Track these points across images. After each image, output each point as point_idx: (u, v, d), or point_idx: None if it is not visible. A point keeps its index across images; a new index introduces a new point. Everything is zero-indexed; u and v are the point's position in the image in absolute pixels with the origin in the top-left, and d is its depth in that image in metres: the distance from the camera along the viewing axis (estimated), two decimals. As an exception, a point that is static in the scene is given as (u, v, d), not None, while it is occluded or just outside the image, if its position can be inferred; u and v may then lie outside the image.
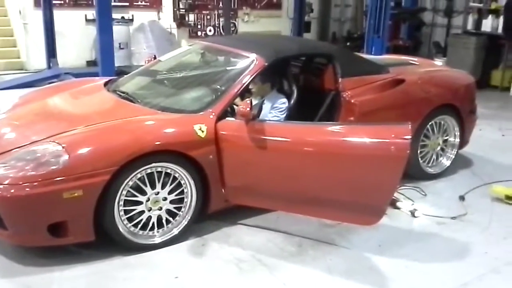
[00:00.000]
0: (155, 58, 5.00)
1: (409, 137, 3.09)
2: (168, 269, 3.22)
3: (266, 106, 4.13)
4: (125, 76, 4.61)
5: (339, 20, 13.76)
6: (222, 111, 3.60)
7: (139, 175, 3.25)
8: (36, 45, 9.86)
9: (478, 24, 9.52)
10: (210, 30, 11.65)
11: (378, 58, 5.57)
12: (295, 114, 4.09)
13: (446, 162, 4.94)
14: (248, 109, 3.37)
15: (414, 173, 4.70)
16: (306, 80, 4.53)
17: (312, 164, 3.33)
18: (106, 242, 3.30)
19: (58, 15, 9.71)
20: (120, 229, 3.26)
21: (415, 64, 5.31)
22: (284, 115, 4.06)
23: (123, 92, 4.06)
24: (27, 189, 2.97)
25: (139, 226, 3.35)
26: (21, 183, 3.00)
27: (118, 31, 10.29)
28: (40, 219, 3.05)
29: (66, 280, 3.05)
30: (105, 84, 4.40)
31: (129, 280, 3.08)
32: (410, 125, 3.15)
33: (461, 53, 9.25)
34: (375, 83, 4.34)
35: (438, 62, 9.86)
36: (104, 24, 6.53)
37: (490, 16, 9.30)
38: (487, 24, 9.39)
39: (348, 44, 12.11)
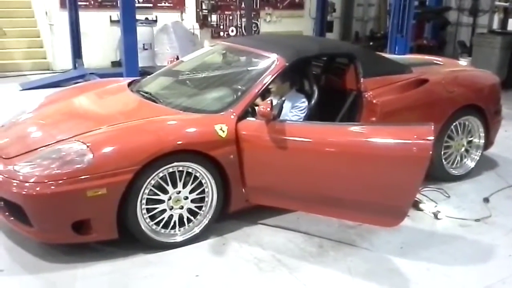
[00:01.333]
0: (177, 58, 5.04)
1: (432, 138, 3.05)
2: (189, 268, 3.25)
3: (286, 105, 4.11)
4: (148, 76, 4.67)
5: (362, 20, 13.66)
6: (243, 111, 3.61)
7: (161, 174, 3.29)
8: (62, 45, 10.03)
9: (504, 23, 9.35)
10: (232, 31, 11.69)
11: (401, 58, 5.52)
12: (316, 114, 4.09)
13: (470, 163, 4.86)
14: (268, 109, 3.38)
15: (437, 174, 4.65)
16: (328, 80, 4.51)
17: (333, 165, 3.32)
18: (129, 240, 3.35)
19: (84, 16, 9.89)
20: (143, 227, 3.30)
21: (439, 64, 5.24)
22: (304, 114, 4.06)
23: (146, 93, 4.11)
24: (52, 187, 3.04)
25: (161, 224, 3.39)
26: (46, 181, 3.06)
27: (141, 32, 10.42)
28: (64, 216, 3.11)
29: (89, 277, 3.11)
30: (129, 84, 4.46)
31: (150, 278, 3.12)
32: (432, 126, 3.11)
33: (487, 52, 9.07)
34: (398, 83, 4.30)
35: (463, 62, 9.75)
36: (128, 25, 6.62)
37: (517, 16, 9.12)
38: (514, 24, 9.21)
39: (371, 43, 12.01)
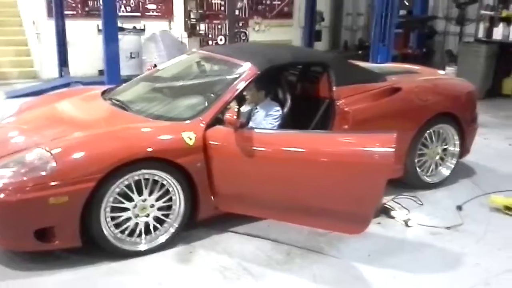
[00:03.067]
0: (155, 66, 5.02)
1: (393, 145, 3.06)
2: (153, 276, 3.23)
3: (260, 114, 4.15)
4: (123, 85, 4.67)
5: (351, 29, 13.75)
6: (212, 119, 3.62)
7: (126, 182, 3.28)
8: (49, 54, 10.05)
9: (489, 32, 9.38)
10: (221, 39, 11.73)
11: (379, 67, 5.56)
12: (289, 122, 4.10)
13: (445, 171, 4.87)
14: (235, 117, 3.38)
15: (411, 182, 4.66)
16: (302, 88, 4.52)
17: (297, 172, 3.32)
18: (95, 248, 3.34)
19: (71, 25, 9.93)
20: (106, 235, 3.29)
21: (415, 73, 5.27)
22: (278, 122, 4.06)
23: (118, 100, 4.12)
24: (14, 194, 3.03)
25: (126, 232, 3.38)
26: (9, 188, 3.06)
27: (129, 40, 10.53)
28: (27, 224, 3.10)
29: (53, 285, 3.10)
30: (103, 92, 4.46)
31: (113, 286, 3.11)
32: (395, 134, 3.12)
33: (472, 61, 9.13)
34: (371, 91, 4.31)
35: (450, 70, 9.84)
36: (110, 34, 6.65)
37: (501, 24, 9.15)
38: (499, 32, 9.24)
39: (359, 52, 12.06)
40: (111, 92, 4.45)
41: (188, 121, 3.62)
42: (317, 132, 3.80)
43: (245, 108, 3.93)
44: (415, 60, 9.45)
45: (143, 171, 3.32)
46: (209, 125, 3.59)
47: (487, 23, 9.64)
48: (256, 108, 4.19)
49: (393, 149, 3.05)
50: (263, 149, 3.42)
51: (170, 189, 3.46)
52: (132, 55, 10.35)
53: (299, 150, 3.35)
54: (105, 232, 3.28)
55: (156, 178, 3.39)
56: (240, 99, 4.35)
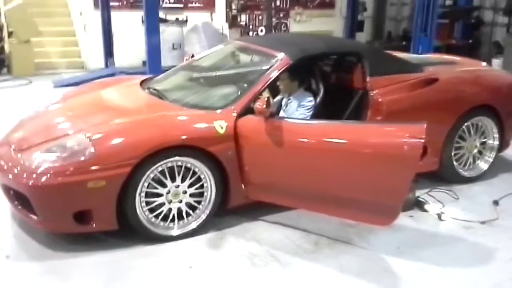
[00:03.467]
0: (192, 56, 5.13)
1: (423, 136, 3.04)
2: (184, 259, 3.35)
3: (293, 104, 4.18)
4: (161, 75, 4.81)
5: (395, 19, 13.48)
6: (244, 108, 3.68)
7: (160, 168, 3.40)
8: (95, 45, 10.38)
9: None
10: (261, 30, 11.75)
11: (418, 57, 5.46)
12: (323, 112, 4.10)
13: (483, 165, 4.76)
14: (264, 106, 3.43)
15: (447, 175, 4.59)
16: (336, 79, 4.52)
17: (327, 162, 3.35)
18: (131, 231, 3.48)
19: (117, 16, 10.21)
20: (141, 219, 3.42)
21: (455, 64, 5.15)
22: (311, 113, 4.08)
23: (155, 90, 4.25)
24: (55, 178, 3.20)
25: (160, 217, 3.50)
26: (50, 172, 3.23)
27: (172, 32, 10.71)
28: (66, 207, 3.27)
29: (87, 265, 3.25)
30: (142, 82, 4.60)
31: (146, 268, 3.24)
32: (425, 125, 3.09)
33: (518, 52, 8.82)
34: (406, 82, 4.26)
35: (496, 62, 9.53)
36: (151, 26, 6.81)
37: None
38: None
39: (404, 43, 11.83)
40: (150, 81, 4.59)
41: (220, 110, 3.70)
42: (347, 122, 3.79)
43: (277, 98, 3.96)
44: (460, 51, 9.21)
45: (177, 158, 3.43)
46: (241, 114, 3.66)
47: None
48: (290, 99, 4.23)
49: (422, 140, 3.03)
50: (292, 139, 3.46)
51: (202, 176, 3.56)
52: (174, 46, 10.53)
53: (329, 140, 3.37)
54: (140, 216, 3.41)
55: (188, 165, 3.49)
56: (274, 90, 4.41)
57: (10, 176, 3.40)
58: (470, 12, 10.67)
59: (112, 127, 3.53)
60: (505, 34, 10.63)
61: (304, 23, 12.39)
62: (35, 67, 9.79)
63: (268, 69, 3.94)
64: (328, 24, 12.50)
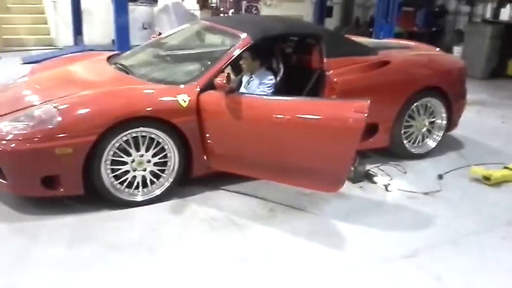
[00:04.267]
0: (159, 34, 5.30)
1: (366, 111, 3.33)
2: (147, 223, 3.58)
3: (255, 82, 4.42)
4: (129, 51, 4.97)
5: (364, 6, 13.80)
6: (206, 84, 3.89)
7: (124, 138, 3.60)
8: (64, 22, 10.37)
9: (496, 12, 9.46)
10: (232, 13, 11.87)
11: (376, 42, 5.77)
12: (283, 90, 4.35)
13: (431, 143, 5.10)
14: (224, 81, 3.66)
15: (398, 152, 4.93)
16: (296, 59, 4.78)
17: (279, 134, 3.61)
18: (97, 197, 3.69)
19: (87, -7, 10.22)
20: (106, 185, 3.63)
21: (410, 48, 5.47)
22: (271, 91, 4.33)
23: (121, 65, 4.42)
24: (24, 144, 3.38)
25: (125, 184, 3.72)
26: (19, 139, 3.40)
27: (142, 11, 10.78)
28: (34, 172, 3.45)
29: (54, 227, 3.46)
30: (109, 57, 4.77)
31: (109, 230, 3.46)
32: (368, 101, 3.38)
33: (478, 41, 9.24)
34: (360, 64, 4.55)
35: (457, 49, 9.94)
36: (120, 4, 6.91)
37: (509, 5, 9.23)
38: (506, 13, 9.31)
39: (371, 29, 12.14)
40: (117, 57, 4.76)
41: (183, 85, 3.91)
42: (299, 98, 4.01)
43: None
44: (422, 38, 9.57)
45: (141, 128, 3.64)
46: (203, 90, 3.88)
47: (495, 3, 9.70)
48: (251, 77, 4.46)
49: (364, 114, 3.32)
50: (249, 113, 3.70)
51: (166, 146, 3.78)
52: (144, 25, 10.61)
53: (281, 114, 3.64)
54: (105, 182, 3.62)
55: (152, 136, 3.70)
56: (238, 69, 4.63)
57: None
58: (433, 0, 11.04)
59: (79, 98, 3.70)
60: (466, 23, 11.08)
61: (274, 8, 12.59)
62: (3, 43, 9.74)
63: (230, 48, 4.17)
64: (298, 9, 12.71)
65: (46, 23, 10.82)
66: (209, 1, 11.59)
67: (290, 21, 5.39)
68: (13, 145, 3.39)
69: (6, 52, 9.51)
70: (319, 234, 3.57)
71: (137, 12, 10.59)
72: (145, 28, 10.67)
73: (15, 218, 3.55)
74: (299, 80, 4.53)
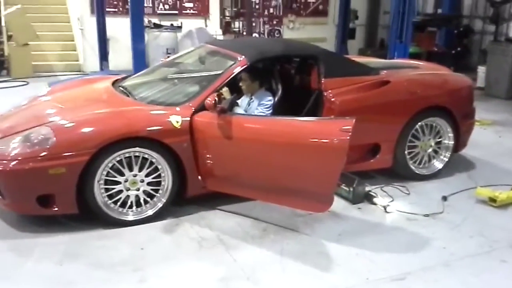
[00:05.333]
0: (168, 57, 5.45)
1: (350, 129, 3.30)
2: (137, 242, 3.63)
3: (255, 103, 4.46)
4: (135, 74, 5.12)
5: (388, 27, 13.70)
6: (200, 105, 3.96)
7: (118, 158, 3.69)
8: (91, 49, 10.77)
9: (520, 31, 9.24)
10: (255, 36, 12.05)
11: (381, 61, 5.74)
12: (282, 111, 4.37)
13: (438, 164, 4.98)
14: (213, 101, 3.72)
15: (402, 172, 4.83)
16: (296, 80, 4.81)
17: (267, 153, 3.63)
18: (92, 216, 3.77)
19: (113, 22, 10.59)
20: (100, 204, 3.71)
21: (415, 68, 5.41)
22: (270, 111, 4.36)
23: (123, 88, 4.56)
24: (19, 164, 3.51)
25: (119, 203, 3.79)
26: (16, 159, 3.54)
27: (166, 37, 11.06)
28: (29, 191, 3.57)
29: (48, 245, 3.55)
30: (117, 80, 4.92)
31: (99, 248, 3.53)
32: (354, 120, 3.36)
33: (500, 60, 9.03)
34: (358, 84, 4.53)
35: (481, 69, 9.74)
36: (137, 32, 7.17)
37: (533, 23, 9.00)
38: (531, 32, 9.09)
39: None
40: (122, 80, 4.90)
41: (179, 107, 3.99)
42: (287, 118, 3.92)
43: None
44: (442, 58, 9.43)
45: (134, 149, 3.72)
46: (198, 110, 3.94)
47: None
48: (251, 98, 4.51)
49: (349, 133, 3.30)
50: (239, 132, 3.74)
51: (159, 166, 3.84)
52: (168, 51, 10.84)
53: (270, 134, 3.66)
54: (98, 202, 3.70)
55: (146, 156, 3.78)
56: (238, 90, 4.69)
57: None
58: (451, 20, 10.88)
59: (74, 119, 3.82)
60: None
61: (297, 30, 12.70)
62: (33, 69, 10.17)
63: (227, 69, 4.24)
64: (320, 32, 12.78)
65: (75, 50, 11.25)
66: (232, 26, 11.80)
67: (289, 42, 5.45)
68: (10, 165, 3.53)
69: (35, 78, 9.92)
70: (307, 254, 3.53)
71: (161, 38, 10.90)
72: (169, 54, 10.91)
73: (12, 235, 3.67)
74: (298, 100, 4.55)
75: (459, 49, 11.37)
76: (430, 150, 4.93)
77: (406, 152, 4.76)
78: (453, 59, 10.48)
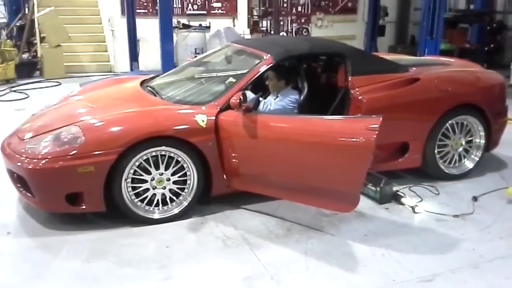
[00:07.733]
0: (195, 57, 5.49)
1: (377, 128, 3.25)
2: (164, 240, 3.67)
3: (280, 100, 4.45)
4: (162, 74, 5.18)
5: (419, 24, 13.46)
6: (226, 104, 3.97)
7: (144, 157, 3.73)
8: (122, 50, 10.96)
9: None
10: (282, 35, 12.04)
11: (411, 58, 5.64)
12: (308, 109, 4.35)
13: (469, 164, 4.86)
14: (238, 100, 3.72)
15: (431, 172, 4.74)
16: (323, 78, 4.77)
17: (293, 152, 3.60)
18: (121, 214, 3.83)
19: (143, 23, 10.78)
20: (127, 202, 3.76)
21: (447, 65, 5.29)
22: (293, 107, 4.32)
23: (151, 87, 4.61)
24: (49, 163, 3.59)
25: (145, 202, 3.83)
26: (46, 158, 3.62)
27: (195, 37, 11.19)
28: (58, 189, 3.65)
29: (76, 242, 3.62)
30: (145, 80, 4.98)
31: (126, 246, 3.58)
32: (381, 118, 3.30)
33: (535, 57, 8.76)
34: (387, 81, 4.46)
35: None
36: (166, 33, 7.27)
37: None
38: None
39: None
40: (150, 80, 4.96)
41: (204, 106, 4.01)
42: (313, 116, 3.92)
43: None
44: (474, 55, 9.20)
45: (161, 148, 3.76)
46: (223, 109, 3.96)
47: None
48: (277, 96, 4.49)
49: (375, 132, 3.24)
50: (264, 131, 3.73)
51: (185, 165, 3.87)
52: (196, 50, 10.97)
53: (295, 132, 3.64)
54: (126, 200, 3.75)
55: (172, 155, 3.81)
56: (264, 89, 4.69)
57: (13, 161, 3.80)
58: (483, 16, 10.58)
59: (103, 118, 3.88)
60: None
61: (325, 28, 12.61)
62: (65, 70, 10.41)
63: (252, 68, 4.24)
64: (349, 29, 12.67)
65: (106, 51, 11.45)
66: (260, 25, 11.82)
67: (315, 40, 5.43)
68: (39, 164, 3.61)
69: (67, 78, 10.15)
70: (332, 255, 3.49)
71: (190, 38, 11.02)
72: (198, 53, 11.01)
73: (42, 232, 3.75)
74: (325, 98, 4.52)
75: (492, 45, 11.08)
76: (460, 149, 4.81)
77: (436, 151, 4.67)
78: (486, 56, 10.23)
